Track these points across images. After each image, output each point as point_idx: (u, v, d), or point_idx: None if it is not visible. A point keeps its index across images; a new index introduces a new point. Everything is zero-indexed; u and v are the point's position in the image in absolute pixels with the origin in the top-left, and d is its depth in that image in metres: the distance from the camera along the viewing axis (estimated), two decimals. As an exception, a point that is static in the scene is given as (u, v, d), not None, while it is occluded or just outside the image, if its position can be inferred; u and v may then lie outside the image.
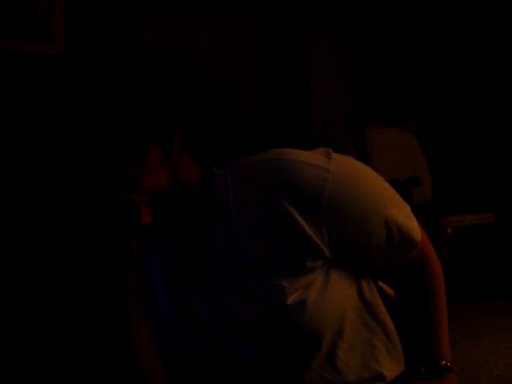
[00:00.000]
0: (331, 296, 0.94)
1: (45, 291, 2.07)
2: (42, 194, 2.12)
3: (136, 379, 0.96)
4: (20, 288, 2.08)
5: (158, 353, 0.97)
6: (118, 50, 0.91)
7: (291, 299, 0.90)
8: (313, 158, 0.91)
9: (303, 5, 3.80)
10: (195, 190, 0.93)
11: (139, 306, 0.95)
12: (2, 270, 2.07)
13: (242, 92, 3.30)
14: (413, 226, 0.99)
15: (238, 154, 0.97)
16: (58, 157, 2.03)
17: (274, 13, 3.63)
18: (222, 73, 3.19)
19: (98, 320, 1.70)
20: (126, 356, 0.95)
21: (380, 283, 1.10)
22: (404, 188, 3.13)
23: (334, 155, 0.93)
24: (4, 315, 2.03)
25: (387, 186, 0.98)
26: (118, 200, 0.87)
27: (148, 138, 0.87)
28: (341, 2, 4.12)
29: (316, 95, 3.83)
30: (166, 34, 3.03)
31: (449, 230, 3.30)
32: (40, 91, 2.44)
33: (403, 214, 0.98)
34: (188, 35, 3.15)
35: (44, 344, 2.02)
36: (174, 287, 0.99)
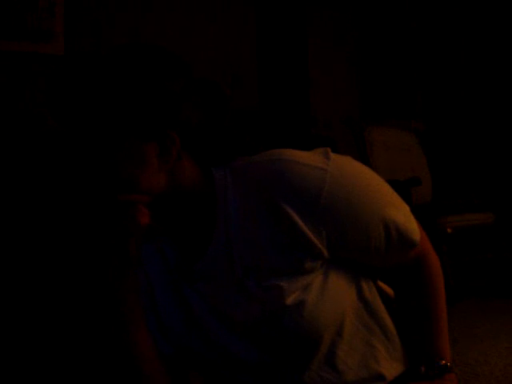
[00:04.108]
0: (330, 296, 0.94)
1: (44, 291, 2.07)
2: (41, 193, 2.12)
3: (136, 380, 0.96)
4: (19, 288, 2.08)
5: (158, 353, 0.97)
6: (118, 50, 0.90)
7: (290, 300, 0.90)
8: (311, 158, 0.91)
9: (303, 5, 3.80)
10: (194, 191, 0.93)
11: (139, 305, 0.95)
12: (1, 271, 2.07)
13: (242, 92, 3.30)
14: (412, 226, 0.99)
15: (237, 154, 0.97)
16: (57, 157, 2.03)
17: (274, 13, 3.63)
18: (222, 73, 3.19)
19: (98, 320, 1.70)
20: (125, 356, 0.95)
21: (379, 283, 1.10)
22: (404, 188, 3.13)
23: (333, 155, 0.93)
24: (3, 316, 2.02)
25: (386, 186, 0.98)
26: (117, 200, 0.87)
27: (146, 138, 0.87)
28: (341, 2, 4.12)
29: (316, 95, 3.82)
30: (165, 34, 3.03)
31: (449, 230, 3.30)
32: (40, 91, 2.44)
33: (402, 215, 0.98)
34: (188, 35, 3.15)
35: (44, 344, 2.02)
36: (173, 287, 0.99)
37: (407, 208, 1.00)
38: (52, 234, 2.06)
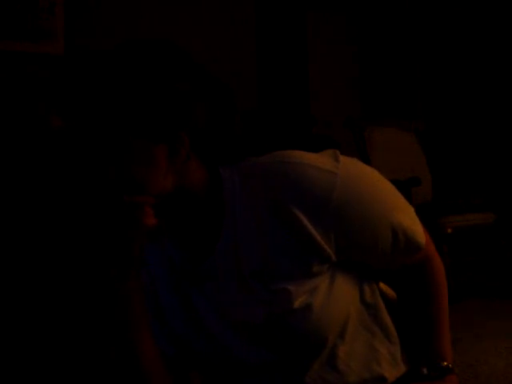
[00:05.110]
0: (336, 299, 0.94)
1: (47, 292, 2.07)
2: (45, 194, 2.12)
3: (137, 379, 0.96)
4: (22, 289, 2.08)
5: (160, 353, 0.97)
6: (127, 48, 0.89)
7: (297, 303, 0.90)
8: (321, 160, 0.91)
9: (303, 5, 3.80)
10: (201, 191, 0.92)
11: (141, 305, 0.94)
12: (4, 271, 2.07)
13: (241, 92, 3.30)
14: (418, 229, 0.99)
15: (245, 154, 0.97)
16: (62, 156, 2.03)
17: (273, 13, 3.62)
18: (222, 73, 3.19)
19: (100, 320, 1.70)
20: (127, 356, 0.95)
21: (381, 285, 1.10)
22: (404, 188, 3.13)
23: (342, 158, 0.92)
24: (6, 317, 2.02)
25: (393, 189, 0.98)
26: (123, 201, 0.86)
27: (156, 138, 0.86)
28: (341, 2, 4.12)
29: (316, 95, 3.82)
30: (165, 34, 3.02)
31: (449, 230, 3.30)
32: (40, 91, 2.44)
33: (409, 218, 0.97)
34: (188, 35, 3.15)
35: (46, 345, 2.02)
36: (177, 288, 0.99)
37: (412, 210, 1.00)
38: (56, 234, 2.06)
